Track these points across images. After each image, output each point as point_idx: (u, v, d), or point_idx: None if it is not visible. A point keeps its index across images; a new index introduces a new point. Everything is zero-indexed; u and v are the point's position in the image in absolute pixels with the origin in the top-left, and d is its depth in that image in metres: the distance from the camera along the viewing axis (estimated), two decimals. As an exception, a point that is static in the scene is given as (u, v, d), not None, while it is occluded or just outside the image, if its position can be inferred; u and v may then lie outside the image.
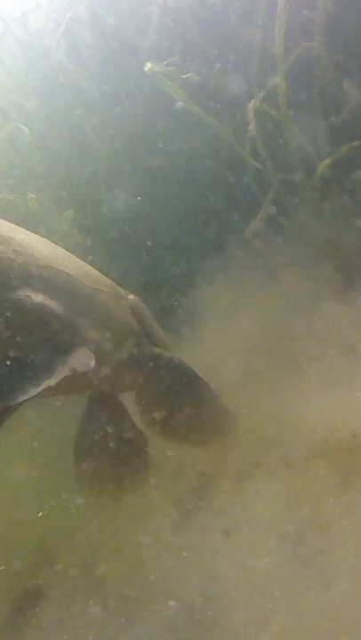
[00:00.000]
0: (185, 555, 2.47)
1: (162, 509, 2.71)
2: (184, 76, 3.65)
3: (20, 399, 2.15)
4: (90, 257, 3.07)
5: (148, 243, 4.06)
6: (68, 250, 2.65)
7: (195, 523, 2.61)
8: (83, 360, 2.29)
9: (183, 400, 2.87)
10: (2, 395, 2.13)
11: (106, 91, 4.12)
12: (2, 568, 2.57)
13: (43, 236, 2.57)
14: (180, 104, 3.67)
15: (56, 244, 2.61)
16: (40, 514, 2.81)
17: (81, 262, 2.67)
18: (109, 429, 2.77)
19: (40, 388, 2.15)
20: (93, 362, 2.30)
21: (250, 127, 3.56)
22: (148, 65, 3.45)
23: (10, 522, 2.76)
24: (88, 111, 4.13)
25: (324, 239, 3.72)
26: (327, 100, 3.74)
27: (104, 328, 2.53)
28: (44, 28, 4.30)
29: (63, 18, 4.09)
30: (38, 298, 2.25)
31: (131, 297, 2.92)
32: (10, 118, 4.18)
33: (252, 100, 3.55)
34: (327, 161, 3.65)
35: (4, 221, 2.44)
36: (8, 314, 2.19)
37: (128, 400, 2.88)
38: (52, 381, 2.17)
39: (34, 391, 2.14)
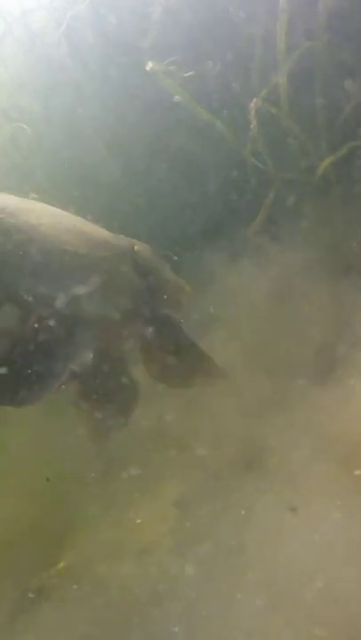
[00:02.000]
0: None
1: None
2: (185, 75, 3.65)
3: (20, 406, 2.20)
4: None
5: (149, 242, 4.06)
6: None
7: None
8: (81, 362, 2.32)
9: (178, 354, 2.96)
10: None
11: (107, 90, 4.11)
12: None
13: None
14: (181, 103, 3.67)
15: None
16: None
17: (85, 228, 2.71)
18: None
19: (39, 398, 2.19)
20: (91, 356, 2.35)
21: (251, 126, 3.56)
22: (150, 64, 3.46)
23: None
24: (89, 110, 4.13)
25: (325, 238, 3.71)
26: (329, 99, 3.73)
27: (104, 297, 2.59)
28: (45, 28, 4.29)
29: (64, 17, 4.09)
30: (40, 290, 2.28)
31: (136, 248, 2.94)
32: (11, 118, 4.19)
33: (254, 99, 3.55)
34: (328, 160, 3.65)
35: (11, 200, 2.48)
36: (10, 315, 2.23)
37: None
38: (49, 391, 2.21)
39: (34, 400, 2.18)
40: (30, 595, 2.44)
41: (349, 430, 2.72)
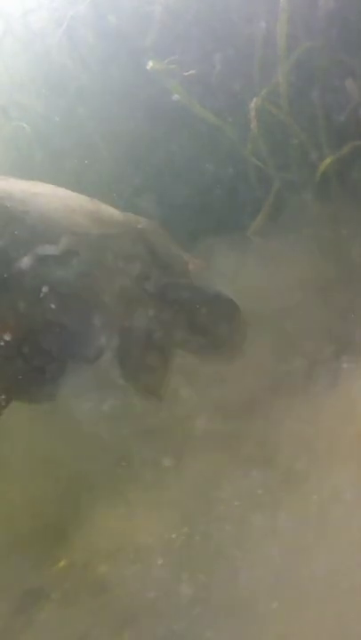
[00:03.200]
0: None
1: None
2: (186, 74, 3.65)
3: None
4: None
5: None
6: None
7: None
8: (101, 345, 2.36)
9: (201, 320, 2.90)
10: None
11: (107, 89, 4.12)
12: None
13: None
14: (181, 102, 3.67)
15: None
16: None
17: (93, 207, 2.71)
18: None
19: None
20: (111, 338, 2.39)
21: (252, 126, 3.56)
22: (150, 63, 3.46)
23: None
24: (90, 110, 4.14)
25: (326, 237, 3.71)
26: (329, 99, 3.73)
27: (116, 276, 2.57)
28: (45, 27, 4.30)
29: (65, 17, 4.10)
30: (53, 274, 2.30)
31: (140, 226, 2.92)
32: (11, 117, 4.20)
33: (254, 99, 3.55)
34: (329, 159, 3.64)
35: (19, 186, 2.49)
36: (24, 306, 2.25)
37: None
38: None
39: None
40: (30, 594, 2.43)
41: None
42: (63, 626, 2.30)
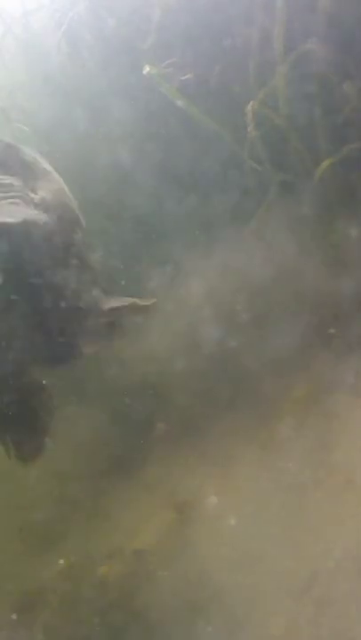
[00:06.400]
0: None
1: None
2: (183, 78, 3.65)
3: None
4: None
5: (148, 241, 4.08)
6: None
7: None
8: None
9: None
10: None
11: (107, 91, 4.12)
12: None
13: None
14: (180, 105, 3.68)
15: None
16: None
17: None
18: None
19: None
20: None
21: (248, 129, 3.57)
22: (147, 68, 3.46)
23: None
24: (89, 111, 4.14)
25: (323, 240, 3.73)
26: (327, 102, 3.73)
27: None
28: (45, 28, 4.31)
29: (65, 18, 4.10)
30: None
31: None
32: (11, 118, 4.21)
33: (251, 102, 3.56)
34: (327, 162, 3.65)
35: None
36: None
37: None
38: None
39: None
40: (30, 596, 2.46)
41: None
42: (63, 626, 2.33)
